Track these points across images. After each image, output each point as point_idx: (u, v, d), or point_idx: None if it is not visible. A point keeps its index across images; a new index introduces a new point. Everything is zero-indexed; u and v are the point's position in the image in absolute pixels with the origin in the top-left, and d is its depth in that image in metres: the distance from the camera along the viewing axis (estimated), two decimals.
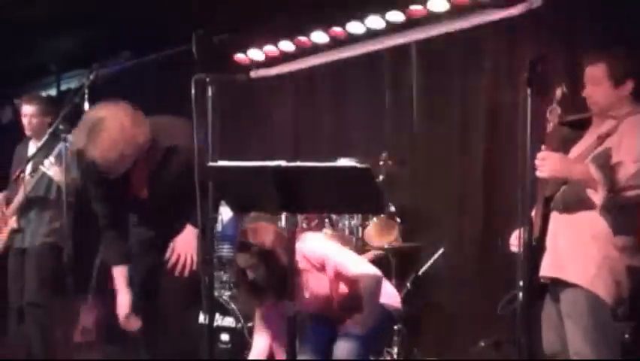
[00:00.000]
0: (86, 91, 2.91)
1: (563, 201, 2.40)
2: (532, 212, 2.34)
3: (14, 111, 4.66)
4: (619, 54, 2.46)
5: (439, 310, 3.83)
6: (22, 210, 3.66)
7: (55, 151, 3.37)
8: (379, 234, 3.62)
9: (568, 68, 2.76)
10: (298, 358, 2.60)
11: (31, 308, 3.58)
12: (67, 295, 2.93)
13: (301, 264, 2.56)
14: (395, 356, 3.46)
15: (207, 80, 2.27)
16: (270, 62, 4.61)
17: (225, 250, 3.94)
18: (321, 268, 2.66)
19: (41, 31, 4.63)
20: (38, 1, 4.25)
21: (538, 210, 2.42)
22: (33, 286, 3.58)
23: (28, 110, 3.75)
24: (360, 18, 4.06)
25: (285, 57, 4.52)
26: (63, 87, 5.66)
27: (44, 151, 3.45)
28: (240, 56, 4.59)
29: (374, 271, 2.66)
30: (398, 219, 3.66)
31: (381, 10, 3.97)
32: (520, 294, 2.29)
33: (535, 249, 2.36)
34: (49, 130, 3.17)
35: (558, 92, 2.39)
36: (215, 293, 3.51)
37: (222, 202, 3.08)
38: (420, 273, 3.64)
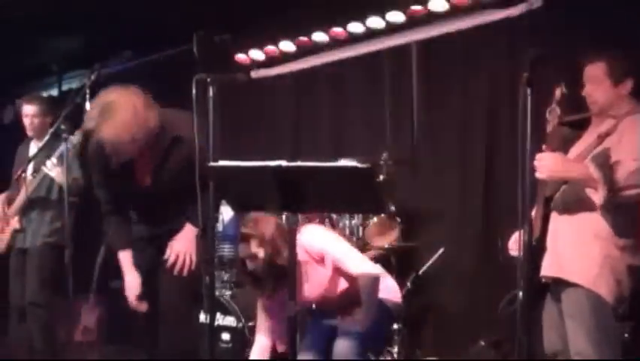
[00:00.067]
0: (88, 91, 2.91)
1: (563, 201, 2.40)
2: (532, 212, 2.34)
3: (15, 111, 4.67)
4: (618, 53, 2.46)
5: (439, 309, 3.84)
6: (24, 211, 3.66)
7: (57, 152, 3.37)
8: (380, 233, 3.63)
9: (568, 68, 2.76)
10: (298, 357, 2.62)
11: (32, 308, 3.59)
12: (68, 295, 2.92)
13: (301, 256, 2.57)
14: (395, 356, 3.47)
15: (208, 80, 2.27)
16: (271, 62, 4.62)
17: (226, 250, 3.94)
18: (321, 260, 2.68)
19: (43, 31, 4.64)
20: (40, 1, 4.26)
21: (539, 210, 2.42)
22: (34, 286, 3.59)
23: (29, 111, 3.75)
24: (361, 18, 4.06)
25: (286, 57, 4.53)
26: (65, 87, 5.67)
27: (46, 151, 3.45)
28: (240, 56, 4.60)
29: (372, 268, 2.67)
30: (398, 219, 3.67)
31: (382, 11, 3.98)
32: (521, 293, 2.31)
33: (536, 249, 2.36)
34: (51, 130, 3.17)
35: (557, 93, 2.40)
36: (217, 293, 3.52)
37: (223, 202, 3.10)
38: (420, 272, 3.65)
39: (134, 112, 2.47)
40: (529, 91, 1.94)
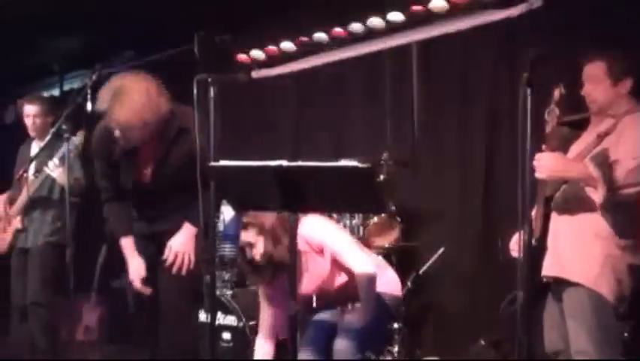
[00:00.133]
0: (89, 91, 2.91)
1: (564, 200, 2.41)
2: (532, 212, 2.34)
3: (17, 112, 4.67)
4: (618, 52, 2.47)
5: (439, 309, 3.84)
6: (26, 210, 3.66)
7: (59, 153, 3.38)
8: (380, 233, 3.64)
9: (568, 68, 2.77)
10: (299, 356, 2.63)
11: (34, 308, 3.59)
12: (70, 295, 2.93)
13: (301, 245, 2.58)
14: (396, 355, 3.48)
15: (209, 80, 2.28)
16: (272, 62, 4.63)
17: (227, 250, 3.94)
18: (320, 251, 2.69)
19: (44, 31, 4.64)
20: (41, 2, 4.27)
21: (539, 210, 2.42)
22: (36, 285, 3.59)
23: (31, 111, 3.76)
24: (361, 18, 4.07)
25: (287, 57, 4.54)
26: (66, 87, 5.69)
27: (47, 151, 3.46)
28: (241, 56, 4.61)
29: (369, 265, 2.67)
30: (399, 219, 3.68)
31: (382, 11, 3.98)
32: (520, 293, 2.32)
33: (537, 249, 2.36)
34: (52, 130, 3.18)
35: (556, 94, 2.40)
36: (217, 292, 3.52)
37: (224, 202, 3.10)
38: (420, 272, 3.65)
39: (147, 96, 2.48)
40: (529, 91, 1.94)
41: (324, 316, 2.85)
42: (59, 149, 3.41)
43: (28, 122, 3.77)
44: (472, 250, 3.75)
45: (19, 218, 3.67)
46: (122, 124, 2.48)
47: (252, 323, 3.45)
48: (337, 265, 2.71)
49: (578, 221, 2.38)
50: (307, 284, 2.70)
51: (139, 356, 3.19)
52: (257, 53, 4.58)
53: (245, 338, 3.43)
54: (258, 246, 2.64)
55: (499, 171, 3.66)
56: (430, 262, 3.65)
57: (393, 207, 3.67)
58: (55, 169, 3.42)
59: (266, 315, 2.84)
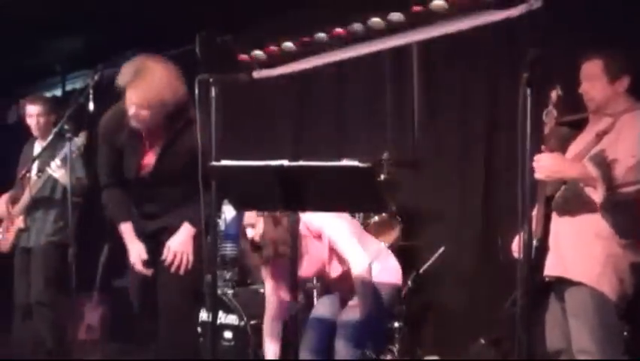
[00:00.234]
0: (91, 91, 2.92)
1: (564, 200, 2.41)
2: (532, 212, 2.34)
3: (19, 112, 4.69)
4: (615, 51, 2.47)
5: (439, 308, 3.85)
6: (28, 210, 3.67)
7: (62, 154, 3.39)
8: (381, 233, 3.64)
9: (567, 69, 2.77)
10: (300, 357, 2.64)
11: (38, 307, 3.60)
12: (72, 294, 2.94)
13: (301, 229, 2.62)
14: (396, 354, 3.49)
15: (211, 80, 2.29)
16: (273, 62, 4.64)
17: (228, 249, 3.96)
18: (318, 237, 2.72)
19: (46, 32, 4.65)
20: (43, 2, 4.28)
21: (540, 210, 2.43)
22: (39, 285, 3.60)
23: (34, 111, 3.77)
24: (362, 19, 4.08)
25: (288, 57, 4.55)
26: (68, 87, 5.70)
27: (49, 151, 3.47)
28: (242, 56, 4.62)
29: (364, 259, 2.68)
30: (399, 218, 3.69)
31: (383, 11, 3.99)
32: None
33: (538, 249, 2.37)
34: (55, 130, 3.19)
35: (553, 95, 2.41)
36: (219, 291, 3.54)
37: (225, 201, 3.11)
38: (421, 271, 3.67)
39: (168, 77, 2.51)
40: (529, 91, 1.95)
41: (323, 314, 2.86)
42: (61, 149, 3.42)
43: (32, 122, 3.78)
44: (472, 250, 3.76)
45: (21, 218, 3.68)
46: (141, 100, 2.49)
47: (253, 322, 3.46)
48: (335, 253, 2.74)
49: (579, 221, 2.38)
50: (307, 267, 2.72)
51: (141, 355, 3.20)
52: (258, 54, 4.59)
53: (246, 337, 3.44)
54: (257, 226, 2.66)
55: (499, 171, 3.67)
56: (431, 261, 3.66)
57: (394, 207, 3.69)
58: (57, 169, 3.43)
59: (272, 298, 2.86)
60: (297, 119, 4.63)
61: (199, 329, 3.38)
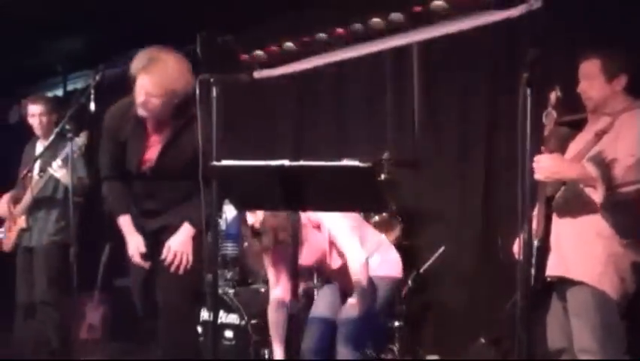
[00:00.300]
0: (92, 91, 2.92)
1: (564, 201, 2.41)
2: (533, 212, 2.35)
3: (20, 112, 4.70)
4: (613, 50, 2.48)
5: (440, 307, 3.86)
6: (30, 210, 3.68)
7: (63, 154, 3.40)
8: (381, 232, 3.65)
9: (567, 69, 2.78)
10: (301, 357, 2.66)
11: (43, 307, 3.61)
12: (73, 293, 2.95)
13: (302, 218, 2.64)
14: (397, 353, 3.50)
15: (211, 80, 2.29)
16: (274, 62, 4.65)
17: (229, 248, 3.97)
18: (317, 227, 2.74)
19: (47, 32, 4.66)
20: (44, 2, 4.29)
21: (541, 210, 2.43)
22: (43, 285, 3.60)
23: (36, 110, 3.77)
24: (363, 19, 4.09)
25: (289, 58, 4.56)
26: (69, 88, 5.71)
27: (51, 151, 3.48)
28: (243, 57, 4.63)
29: (361, 255, 2.70)
30: (399, 218, 3.70)
31: (383, 12, 4.00)
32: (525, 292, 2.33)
33: (540, 249, 2.38)
34: (56, 130, 3.20)
35: (552, 97, 2.40)
36: (220, 291, 3.55)
37: (226, 201, 3.12)
38: (421, 271, 3.68)
39: (181, 68, 2.54)
40: (529, 91, 1.95)
41: (323, 312, 2.87)
42: (63, 149, 3.42)
43: (34, 121, 3.79)
44: (472, 250, 3.76)
45: (23, 217, 3.68)
46: (153, 87, 2.50)
47: (253, 321, 3.47)
48: (334, 245, 2.77)
49: (580, 222, 2.39)
50: (306, 255, 2.73)
51: (142, 354, 3.21)
52: (259, 54, 4.60)
53: (247, 336, 3.45)
54: (257, 213, 2.68)
55: (499, 171, 3.67)
56: (431, 261, 3.67)
57: (394, 207, 3.70)
58: (58, 169, 3.44)
59: (274, 284, 2.88)
60: (298, 119, 4.64)
61: (200, 329, 3.39)
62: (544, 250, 2.40)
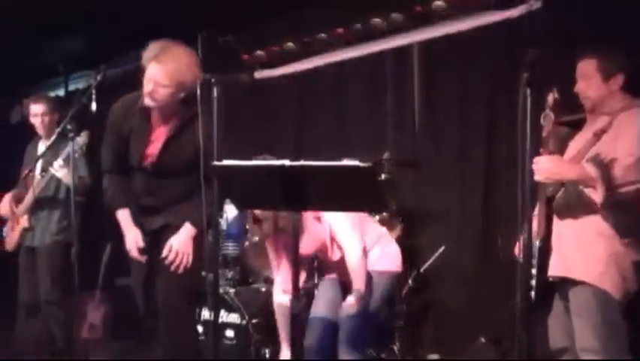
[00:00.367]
0: (94, 91, 2.93)
1: (565, 201, 2.42)
2: (533, 212, 2.35)
3: (22, 112, 4.71)
4: (609, 49, 2.48)
5: (440, 307, 3.87)
6: (33, 210, 3.69)
7: (64, 153, 3.41)
8: None
9: (567, 70, 2.79)
10: (304, 357, 2.67)
11: (48, 306, 3.62)
12: (75, 293, 2.96)
13: None
14: (397, 353, 3.51)
15: (213, 80, 2.31)
16: (274, 62, 4.66)
17: (230, 248, 3.98)
18: (317, 218, 2.77)
19: (49, 32, 4.67)
20: (46, 3, 4.30)
21: (541, 210, 2.44)
22: (47, 285, 3.61)
23: (38, 110, 3.78)
24: (363, 19, 4.10)
25: (289, 58, 4.57)
26: (71, 87, 5.72)
27: (53, 151, 3.49)
28: (244, 57, 4.64)
29: (358, 250, 2.72)
30: (400, 218, 3.71)
31: (384, 12, 4.01)
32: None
33: (542, 249, 2.38)
34: (58, 130, 3.21)
35: (550, 99, 2.40)
36: (220, 290, 3.55)
37: (227, 201, 3.13)
38: (421, 270, 3.69)
39: (191, 61, 2.57)
40: (529, 91, 1.96)
41: (324, 312, 2.89)
42: (64, 149, 3.44)
43: (36, 121, 3.79)
44: (472, 249, 3.77)
45: (26, 217, 3.69)
46: (163, 75, 2.52)
47: (254, 320, 3.48)
48: (333, 238, 2.79)
49: (580, 222, 2.39)
50: (306, 244, 2.75)
51: (143, 354, 3.21)
52: (260, 54, 4.61)
53: (248, 336, 3.46)
54: None
55: (499, 171, 3.68)
56: (431, 260, 3.68)
57: (394, 206, 3.70)
58: (60, 169, 3.45)
59: (276, 271, 2.90)
60: (298, 119, 4.65)
61: (201, 328, 3.41)
62: (546, 250, 2.41)
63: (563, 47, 3.21)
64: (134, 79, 2.97)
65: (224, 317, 3.56)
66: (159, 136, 2.68)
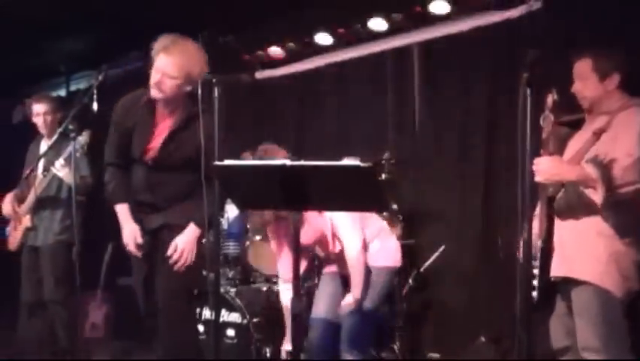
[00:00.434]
0: (95, 91, 2.94)
1: (566, 201, 2.42)
2: (534, 212, 2.36)
3: (24, 112, 4.72)
4: (605, 48, 2.48)
5: (440, 306, 3.88)
6: (35, 209, 3.69)
7: (66, 153, 3.41)
8: None
9: (567, 71, 2.79)
10: (307, 357, 2.68)
11: (53, 305, 3.62)
12: (76, 292, 2.96)
13: None
14: (397, 352, 3.52)
15: (213, 80, 2.31)
16: (275, 62, 4.67)
17: (231, 248, 3.99)
18: (319, 212, 2.80)
19: (50, 32, 4.68)
20: (47, 3, 4.31)
21: (542, 210, 2.44)
22: (51, 284, 3.61)
23: (41, 109, 3.79)
24: (364, 19, 4.11)
25: (290, 58, 4.58)
26: (72, 88, 5.73)
27: (55, 150, 3.49)
28: (245, 57, 4.65)
29: (358, 245, 2.75)
30: (400, 217, 3.72)
31: (384, 12, 4.02)
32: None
33: (543, 250, 2.39)
34: (59, 130, 3.21)
35: (549, 100, 2.40)
36: (222, 290, 3.57)
37: (228, 200, 3.13)
38: (421, 270, 3.70)
39: (199, 55, 2.61)
40: (529, 91, 1.96)
41: (324, 313, 2.90)
42: (66, 148, 3.44)
43: (39, 120, 3.80)
44: (472, 249, 3.78)
45: (28, 216, 3.69)
46: (171, 66, 2.55)
47: (255, 320, 3.49)
48: (334, 231, 2.81)
49: (581, 222, 2.39)
50: (306, 233, 2.77)
51: (145, 353, 3.22)
52: (260, 54, 4.62)
53: (248, 335, 3.47)
54: None
55: (499, 171, 3.69)
56: (431, 260, 3.69)
57: (395, 206, 3.71)
58: (61, 168, 3.45)
59: (279, 257, 2.92)
60: (299, 119, 4.66)
61: (202, 328, 3.42)
62: (548, 250, 2.41)
63: (562, 47, 3.21)
64: (135, 79, 2.98)
65: (225, 316, 3.57)
66: (162, 131, 2.69)
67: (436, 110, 4.02)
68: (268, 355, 3.45)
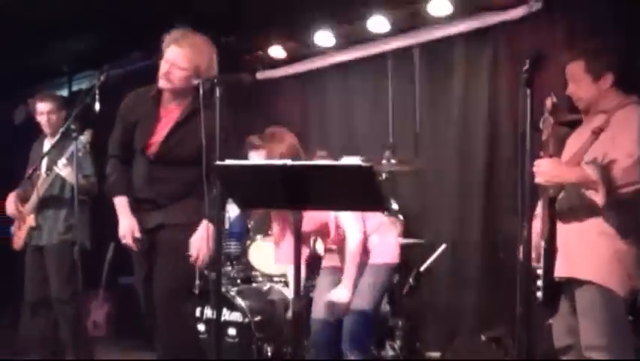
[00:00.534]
0: (97, 92, 2.95)
1: (567, 202, 2.42)
2: (534, 211, 2.36)
3: (27, 112, 4.72)
4: (596, 49, 2.45)
5: (440, 305, 3.89)
6: (39, 209, 3.70)
7: (68, 152, 3.42)
8: None
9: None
10: (309, 357, 2.69)
11: (58, 304, 3.62)
12: (78, 291, 2.97)
13: None
14: (397, 351, 3.53)
15: (215, 80, 2.33)
16: (276, 63, 4.68)
17: (233, 247, 4.00)
18: None
19: (53, 32, 4.68)
20: (50, 3, 4.32)
21: (544, 211, 2.43)
22: (56, 283, 3.61)
23: (45, 108, 3.79)
24: (365, 20, 4.12)
25: (291, 58, 4.59)
26: (74, 88, 5.74)
27: (58, 149, 3.50)
28: (246, 58, 4.66)
29: (358, 234, 2.78)
30: (400, 217, 3.73)
31: (385, 13, 4.03)
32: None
33: (546, 250, 2.38)
34: (62, 129, 3.22)
35: (548, 103, 2.39)
36: (223, 289, 3.58)
37: (229, 200, 3.14)
38: (422, 269, 3.70)
39: (209, 49, 2.64)
40: (528, 91, 1.96)
41: (324, 313, 2.91)
42: (68, 148, 3.45)
43: (42, 119, 3.80)
44: (472, 249, 3.79)
45: (32, 216, 3.70)
46: (181, 57, 2.58)
47: (256, 318, 3.50)
48: (339, 226, 2.83)
49: (583, 223, 2.39)
50: (308, 221, 2.76)
51: (146, 352, 3.23)
52: (261, 54, 4.63)
53: (250, 334, 3.48)
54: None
55: (499, 171, 3.70)
56: (431, 259, 3.69)
57: (396, 205, 3.72)
58: (63, 168, 3.46)
59: (281, 246, 2.93)
60: (300, 119, 4.67)
61: (203, 327, 3.43)
62: (552, 251, 2.40)
63: (563, 47, 3.22)
64: (137, 79, 2.99)
65: (227, 315, 3.57)
66: (165, 126, 2.71)
67: (436, 110, 4.03)
68: (269, 354, 3.46)
